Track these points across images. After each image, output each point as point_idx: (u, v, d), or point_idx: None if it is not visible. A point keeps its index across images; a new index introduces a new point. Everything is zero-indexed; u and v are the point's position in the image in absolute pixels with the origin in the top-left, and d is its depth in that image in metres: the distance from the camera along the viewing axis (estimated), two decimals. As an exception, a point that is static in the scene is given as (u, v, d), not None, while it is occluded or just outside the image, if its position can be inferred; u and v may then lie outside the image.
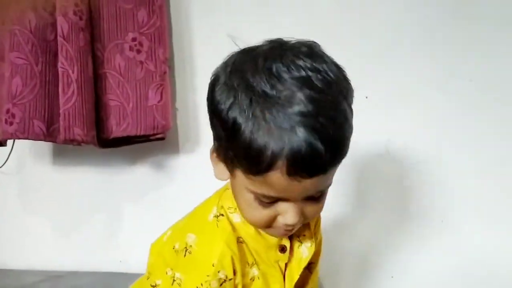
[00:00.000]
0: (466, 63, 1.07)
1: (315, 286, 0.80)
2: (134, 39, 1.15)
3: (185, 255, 0.65)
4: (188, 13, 1.26)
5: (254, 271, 0.66)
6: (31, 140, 1.23)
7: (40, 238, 1.45)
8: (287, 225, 0.61)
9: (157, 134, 1.16)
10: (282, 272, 0.68)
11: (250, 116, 0.53)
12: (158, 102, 1.15)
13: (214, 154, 0.64)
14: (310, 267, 0.76)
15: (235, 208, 0.66)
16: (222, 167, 0.63)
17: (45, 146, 1.43)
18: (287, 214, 0.59)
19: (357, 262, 1.14)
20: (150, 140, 1.19)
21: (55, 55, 1.11)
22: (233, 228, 0.66)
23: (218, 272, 0.62)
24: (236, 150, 0.57)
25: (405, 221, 1.11)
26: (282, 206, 0.59)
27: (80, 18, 1.08)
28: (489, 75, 1.05)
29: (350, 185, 1.14)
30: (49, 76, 1.10)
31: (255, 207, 0.61)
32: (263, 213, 0.61)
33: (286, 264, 0.69)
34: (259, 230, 0.66)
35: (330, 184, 0.60)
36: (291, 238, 0.69)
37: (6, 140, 1.12)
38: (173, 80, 1.25)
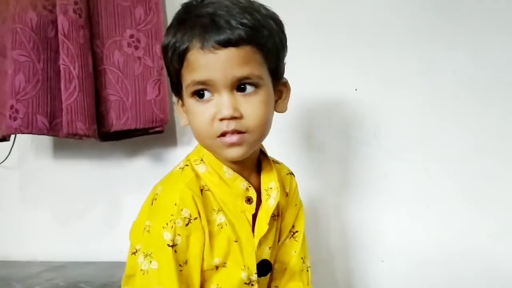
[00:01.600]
0: (449, 56, 1.11)
1: (305, 254, 0.83)
2: (131, 36, 1.19)
3: (152, 204, 0.70)
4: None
5: (221, 218, 0.69)
6: (32, 135, 1.27)
7: (42, 230, 1.49)
8: (223, 119, 0.65)
9: (155, 127, 1.21)
10: (249, 223, 0.71)
11: (172, 29, 0.68)
12: (156, 96, 1.19)
13: (178, 104, 0.74)
14: (294, 235, 0.81)
15: (201, 160, 0.72)
16: (182, 112, 0.73)
17: (46, 140, 1.47)
18: (221, 106, 0.65)
19: (348, 246, 1.19)
20: (149, 133, 1.23)
21: (56, 52, 1.15)
22: (197, 176, 0.71)
23: (181, 210, 0.66)
24: (171, 62, 0.68)
25: (393, 207, 1.16)
26: (217, 101, 0.65)
27: (80, 16, 1.12)
28: (471, 66, 1.10)
29: (339, 172, 1.19)
30: (51, 73, 1.14)
31: (196, 112, 0.67)
32: (205, 114, 0.66)
33: (254, 216, 0.72)
34: (222, 175, 0.71)
35: (256, 77, 0.66)
36: (258, 193, 0.73)
37: (9, 135, 1.16)
38: (169, 75, 1.30)
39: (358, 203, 1.18)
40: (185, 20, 0.67)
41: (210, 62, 0.63)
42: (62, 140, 1.33)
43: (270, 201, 0.73)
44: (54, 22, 1.14)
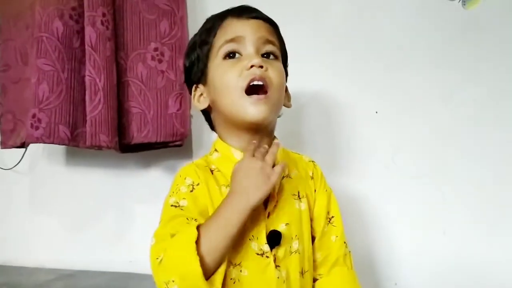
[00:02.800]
0: (470, 85, 1.13)
1: (341, 240, 0.85)
2: (156, 49, 1.19)
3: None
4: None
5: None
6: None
7: (50, 236, 1.48)
8: (253, 67, 0.74)
9: (175, 141, 1.21)
10: None
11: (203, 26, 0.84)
12: (178, 110, 1.19)
13: (195, 94, 0.83)
14: (331, 221, 0.85)
15: (215, 150, 0.81)
16: (201, 98, 0.83)
17: (59, 148, 1.46)
18: (251, 56, 0.75)
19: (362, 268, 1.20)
20: (168, 146, 1.23)
21: (80, 62, 1.15)
22: (208, 160, 0.80)
23: (185, 179, 0.75)
24: (202, 38, 0.82)
25: (408, 230, 1.18)
26: (246, 56, 0.76)
27: (107, 28, 1.12)
28: (491, 96, 1.12)
29: (356, 194, 1.20)
30: (74, 83, 1.14)
31: (226, 68, 0.76)
32: (235, 67, 0.75)
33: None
34: (231, 157, 0.78)
35: (277, 48, 0.80)
36: None
37: (29, 143, 1.15)
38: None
39: (374, 226, 1.19)
40: (215, 15, 0.83)
41: (242, 25, 0.78)
42: (74, 148, 1.32)
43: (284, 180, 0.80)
44: (80, 32, 1.14)
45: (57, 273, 1.37)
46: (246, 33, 0.77)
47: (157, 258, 0.66)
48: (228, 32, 0.78)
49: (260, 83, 0.74)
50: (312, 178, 0.86)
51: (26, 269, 1.43)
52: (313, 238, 0.85)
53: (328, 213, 0.85)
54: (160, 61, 1.19)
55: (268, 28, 0.80)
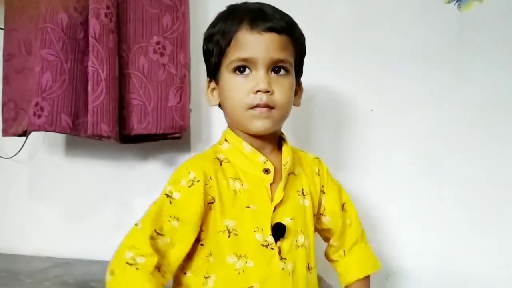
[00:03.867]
0: (465, 87, 1.17)
1: (356, 223, 0.93)
2: (158, 43, 1.21)
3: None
4: (206, 20, 1.33)
5: (236, 185, 0.78)
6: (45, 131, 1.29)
7: (47, 226, 1.50)
8: (259, 92, 0.76)
9: (174, 133, 1.23)
10: (268, 191, 0.79)
11: (220, 21, 0.82)
12: (178, 103, 1.22)
13: (208, 86, 0.86)
14: (344, 207, 0.91)
15: (225, 140, 0.83)
16: (214, 93, 0.85)
17: (58, 137, 1.48)
18: (259, 80, 0.77)
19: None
20: (167, 138, 1.25)
21: (83, 53, 1.17)
22: (217, 151, 0.82)
23: (189, 173, 0.76)
24: (218, 43, 0.81)
25: (401, 226, 1.20)
26: (255, 76, 0.77)
27: (111, 20, 1.14)
28: (486, 99, 1.15)
29: (350, 193, 1.23)
30: (77, 73, 1.16)
31: (235, 85, 0.78)
32: (244, 86, 0.77)
33: (271, 185, 0.80)
34: (242, 150, 0.81)
35: (289, 64, 0.80)
36: (279, 170, 0.82)
37: (30, 132, 1.17)
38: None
39: (366, 221, 1.22)
40: (235, 11, 0.82)
41: (256, 42, 0.77)
42: (75, 138, 1.34)
43: (283, 171, 0.82)
44: (84, 24, 1.16)
45: (53, 261, 1.38)
46: (259, 53, 0.77)
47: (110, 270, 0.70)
48: (242, 48, 0.78)
49: (264, 109, 0.77)
50: (318, 174, 0.89)
51: (23, 257, 1.44)
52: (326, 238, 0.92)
53: (342, 205, 0.91)
54: (161, 55, 1.21)
55: (282, 44, 0.79)
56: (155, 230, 0.71)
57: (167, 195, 0.75)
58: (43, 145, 1.51)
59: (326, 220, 0.90)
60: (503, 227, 1.13)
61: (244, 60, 0.78)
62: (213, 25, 0.84)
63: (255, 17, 0.78)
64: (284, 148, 0.84)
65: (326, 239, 0.94)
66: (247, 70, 0.78)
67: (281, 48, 0.78)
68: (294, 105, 0.86)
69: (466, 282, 1.16)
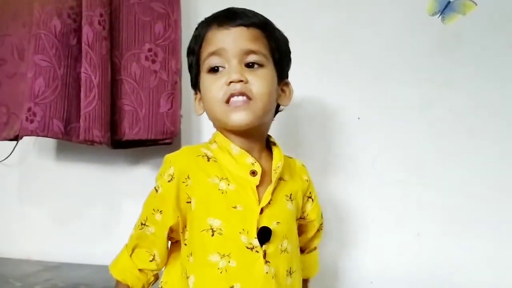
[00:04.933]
0: (446, 94, 1.20)
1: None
2: (150, 50, 1.24)
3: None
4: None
5: (222, 185, 0.77)
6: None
7: (37, 229, 1.51)
8: (232, 83, 0.76)
9: (165, 139, 1.25)
10: (254, 193, 0.78)
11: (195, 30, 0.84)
12: (169, 109, 1.24)
13: (195, 97, 0.87)
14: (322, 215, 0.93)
15: (214, 141, 0.83)
16: (200, 103, 0.85)
17: (49, 142, 1.49)
18: (231, 72, 0.76)
19: (338, 267, 1.25)
20: (158, 144, 1.27)
21: (76, 59, 1.18)
22: (207, 147, 0.82)
23: (170, 168, 0.78)
24: (193, 49, 0.83)
25: (384, 231, 1.24)
26: (227, 70, 0.77)
27: (104, 28, 1.16)
28: (466, 105, 1.19)
29: (335, 197, 1.26)
30: (69, 79, 1.17)
31: (210, 83, 0.78)
32: (216, 83, 0.77)
33: (258, 188, 0.79)
34: (230, 151, 0.80)
35: (262, 56, 0.79)
36: (269, 173, 0.81)
37: (22, 137, 1.18)
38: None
39: (351, 225, 1.25)
40: (206, 18, 0.84)
41: (224, 36, 0.78)
42: (66, 142, 1.35)
43: (273, 175, 0.81)
44: (77, 31, 1.18)
45: (43, 265, 1.39)
46: (227, 45, 0.77)
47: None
48: (211, 44, 0.79)
49: (240, 98, 0.76)
50: (307, 181, 0.89)
51: (12, 261, 1.45)
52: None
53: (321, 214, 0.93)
54: (153, 62, 1.24)
55: (251, 36, 0.79)
56: (141, 223, 0.81)
57: (156, 190, 0.80)
58: (34, 149, 1.52)
59: (304, 222, 0.91)
60: (489, 232, 1.16)
61: (214, 53, 0.78)
62: (191, 39, 0.86)
63: (224, 17, 0.80)
64: (276, 152, 0.83)
65: None
66: (221, 69, 0.78)
67: (250, 39, 0.78)
68: (282, 104, 0.86)
69: (451, 287, 1.19)
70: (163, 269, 0.84)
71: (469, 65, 1.20)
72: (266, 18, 0.83)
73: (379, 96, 1.24)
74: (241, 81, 0.76)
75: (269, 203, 0.78)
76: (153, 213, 0.79)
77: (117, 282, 0.83)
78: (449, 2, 1.21)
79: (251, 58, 0.78)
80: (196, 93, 0.87)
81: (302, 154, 1.25)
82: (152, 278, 0.84)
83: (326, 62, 1.28)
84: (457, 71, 1.20)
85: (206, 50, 0.79)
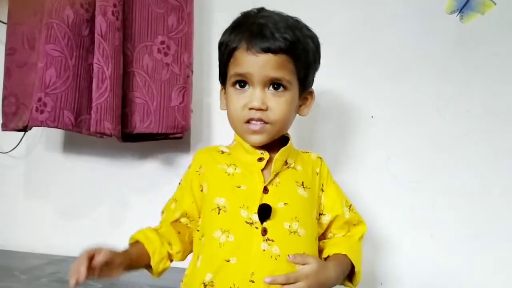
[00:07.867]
0: (464, 96, 1.18)
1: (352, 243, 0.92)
2: (162, 42, 1.22)
3: None
4: (210, 21, 1.35)
5: (230, 170, 0.85)
6: (43, 127, 1.28)
7: (42, 222, 1.49)
8: (252, 109, 0.81)
9: (176, 133, 1.23)
10: (259, 175, 0.83)
11: (228, 31, 0.85)
12: (180, 103, 1.22)
13: (222, 91, 0.90)
14: (350, 207, 0.94)
15: (234, 140, 0.89)
16: (223, 99, 0.89)
17: (56, 133, 1.48)
18: (253, 97, 0.81)
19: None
20: (168, 138, 1.25)
21: (87, 50, 1.17)
22: (226, 146, 0.90)
23: (192, 163, 0.90)
24: (223, 56, 0.85)
25: (397, 232, 1.22)
26: (250, 93, 0.81)
27: (117, 19, 1.14)
28: (484, 107, 1.17)
29: (349, 194, 1.24)
30: (81, 70, 1.16)
31: (233, 99, 0.83)
32: (239, 102, 0.82)
33: (263, 172, 0.84)
34: (244, 147, 0.86)
35: (286, 81, 0.82)
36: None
37: (31, 127, 1.17)
38: (190, 83, 1.33)
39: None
40: (239, 25, 0.84)
41: (251, 62, 0.80)
42: (73, 135, 1.33)
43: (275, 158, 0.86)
44: (89, 21, 1.16)
45: (49, 258, 1.38)
46: (253, 70, 0.80)
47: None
48: (238, 65, 0.82)
49: (258, 123, 0.82)
50: (317, 174, 0.90)
51: (18, 253, 1.43)
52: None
53: (349, 206, 0.94)
54: (166, 54, 1.22)
55: (278, 64, 0.80)
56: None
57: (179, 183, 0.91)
58: (41, 141, 1.50)
59: (325, 220, 0.90)
60: (498, 235, 1.15)
61: (241, 75, 0.82)
62: (224, 33, 0.87)
63: (253, 36, 0.80)
64: (285, 148, 0.87)
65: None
66: (247, 86, 0.82)
67: (277, 67, 0.80)
68: (301, 115, 0.91)
69: (457, 285, 1.17)
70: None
71: (488, 66, 1.17)
72: (296, 34, 0.82)
73: (394, 95, 1.22)
74: (261, 109, 0.81)
75: (276, 185, 0.83)
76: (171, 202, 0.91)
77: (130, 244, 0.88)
78: (468, 1, 1.19)
79: (276, 82, 0.82)
80: (222, 89, 0.91)
81: (316, 151, 1.23)
82: (168, 263, 0.86)
83: (342, 61, 1.26)
84: (475, 71, 1.18)
85: (234, 68, 0.83)
